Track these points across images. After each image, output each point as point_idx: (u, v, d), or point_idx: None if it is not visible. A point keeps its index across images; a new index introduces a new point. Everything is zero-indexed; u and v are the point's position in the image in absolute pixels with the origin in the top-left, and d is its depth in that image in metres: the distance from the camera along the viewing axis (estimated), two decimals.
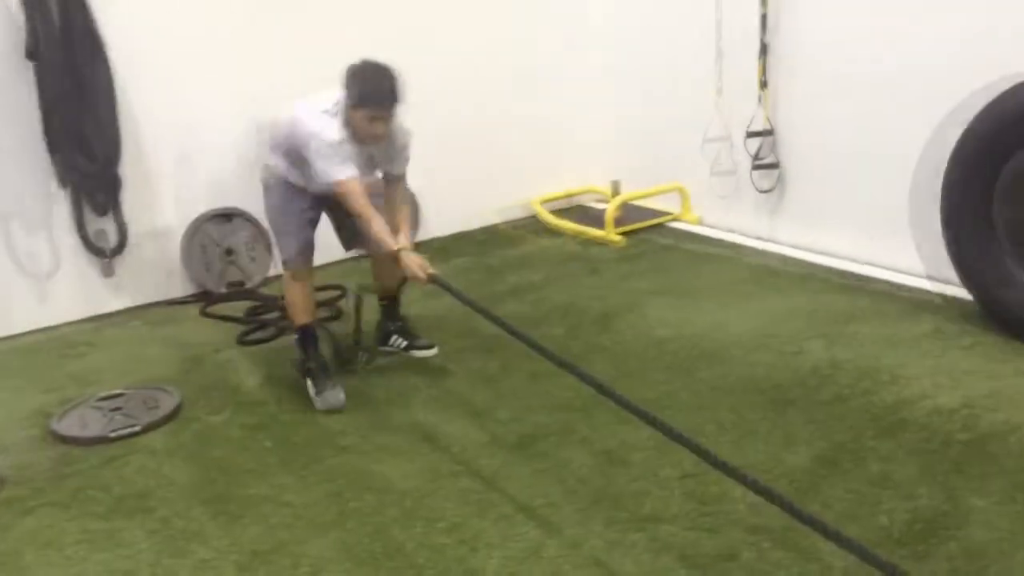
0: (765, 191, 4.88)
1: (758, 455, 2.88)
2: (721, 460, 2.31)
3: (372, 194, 3.31)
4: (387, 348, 3.80)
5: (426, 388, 3.52)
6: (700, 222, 5.39)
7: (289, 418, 3.35)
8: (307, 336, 3.51)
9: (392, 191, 3.48)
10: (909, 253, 4.26)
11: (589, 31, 5.67)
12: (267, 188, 3.52)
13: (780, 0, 4.59)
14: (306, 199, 3.44)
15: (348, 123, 3.21)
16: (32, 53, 4.06)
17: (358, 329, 3.73)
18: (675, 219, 5.48)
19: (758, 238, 5.02)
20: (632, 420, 3.08)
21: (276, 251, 3.85)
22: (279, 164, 3.42)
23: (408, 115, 4.88)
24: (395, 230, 3.31)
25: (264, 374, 3.73)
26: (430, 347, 3.73)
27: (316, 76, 4.62)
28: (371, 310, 3.78)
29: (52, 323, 4.41)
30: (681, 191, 5.43)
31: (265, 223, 3.96)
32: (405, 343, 3.76)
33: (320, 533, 2.61)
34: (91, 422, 3.37)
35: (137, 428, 3.29)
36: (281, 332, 4.07)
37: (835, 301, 4.10)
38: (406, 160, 3.44)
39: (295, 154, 3.31)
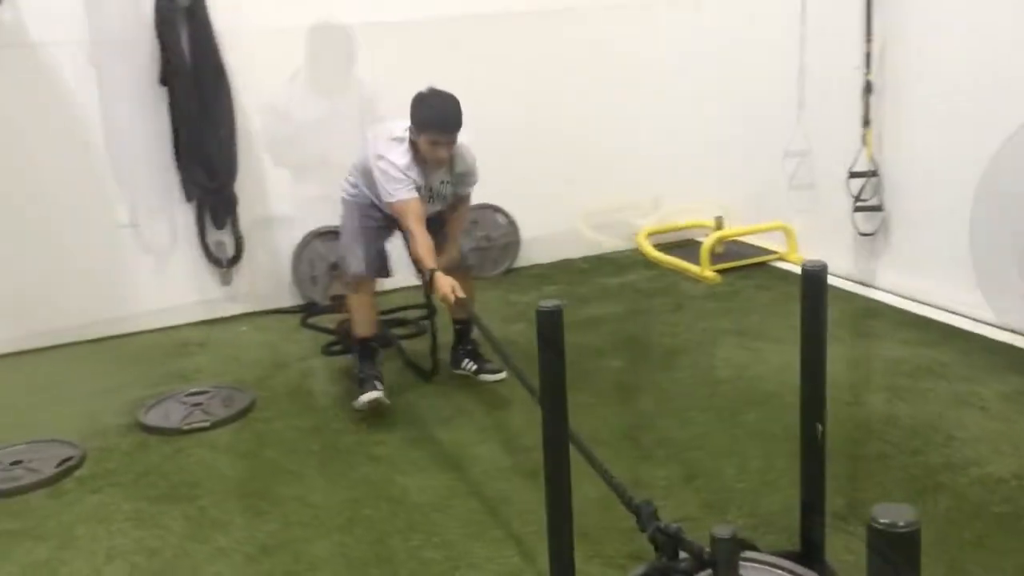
0: (867, 234, 4.69)
1: (770, 504, 2.81)
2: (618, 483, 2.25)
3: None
4: (459, 371, 3.95)
5: (474, 409, 3.65)
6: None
7: (341, 425, 3.57)
8: (364, 349, 3.70)
9: (457, 210, 3.69)
10: (1017, 307, 3.98)
11: (700, 69, 5.65)
12: (344, 204, 3.79)
13: (885, 37, 4.42)
14: (378, 216, 3.68)
15: (414, 148, 3.42)
16: (164, 80, 4.55)
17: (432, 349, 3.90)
18: (779, 258, 5.34)
19: (859, 282, 4.82)
20: (653, 457, 3.15)
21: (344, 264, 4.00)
22: (357, 182, 3.69)
23: (518, 145, 5.15)
24: (450, 243, 3.55)
25: (334, 383, 3.98)
26: (498, 371, 3.85)
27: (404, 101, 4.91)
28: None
29: (173, 323, 4.88)
30: (786, 230, 5.29)
31: None
32: (475, 367, 3.91)
33: (326, 535, 2.80)
34: (173, 414, 3.73)
35: (207, 424, 3.61)
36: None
37: (920, 352, 3.90)
38: (473, 182, 3.64)
39: (368, 174, 3.55)
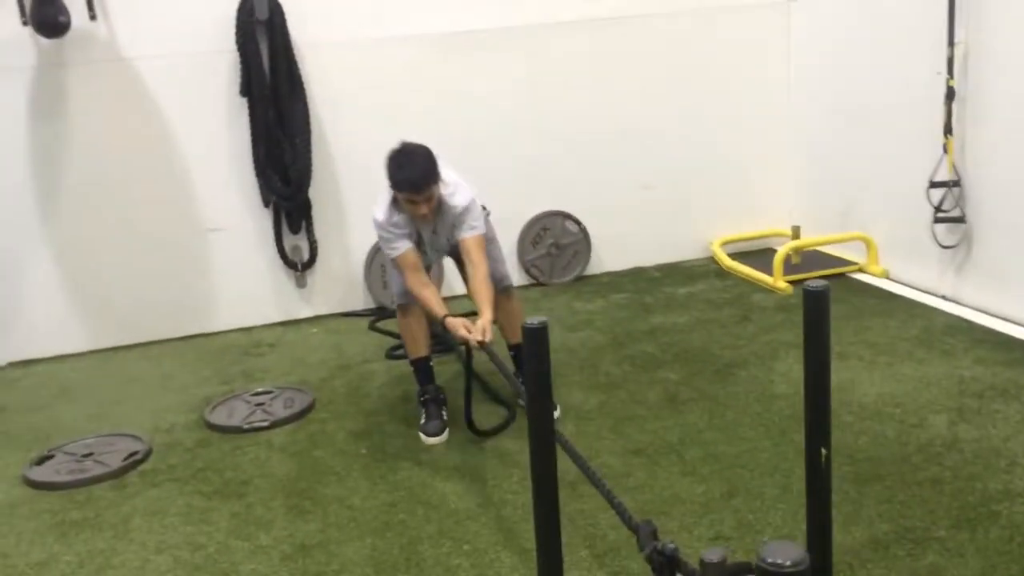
0: (949, 247, 4.48)
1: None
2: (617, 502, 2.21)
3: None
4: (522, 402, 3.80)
5: (524, 417, 3.65)
6: (886, 275, 5.03)
7: (391, 429, 3.64)
8: (419, 369, 3.67)
9: (465, 255, 3.45)
10: None
11: (780, 74, 5.52)
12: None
13: (968, 42, 4.21)
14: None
15: (398, 202, 3.37)
16: (244, 91, 4.74)
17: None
18: (859, 270, 5.15)
19: (941, 297, 4.61)
20: (693, 473, 3.10)
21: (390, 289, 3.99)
22: None
23: (591, 151, 5.12)
24: (474, 268, 3.38)
25: (392, 387, 4.06)
26: (551, 410, 3.64)
27: (491, 116, 4.98)
28: None
29: (250, 324, 5.08)
30: (866, 241, 5.09)
31: None
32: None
33: (360, 537, 2.86)
34: (236, 413, 3.88)
35: (265, 423, 3.74)
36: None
37: (995, 372, 3.70)
38: (471, 227, 3.41)
39: None
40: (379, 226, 3.41)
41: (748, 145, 5.57)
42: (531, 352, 1.93)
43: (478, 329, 3.24)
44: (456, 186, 3.42)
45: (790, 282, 4.99)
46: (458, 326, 3.25)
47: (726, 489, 2.97)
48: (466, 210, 3.40)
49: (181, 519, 3.07)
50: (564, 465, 3.12)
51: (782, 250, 5.09)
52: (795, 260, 5.23)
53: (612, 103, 5.32)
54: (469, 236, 3.41)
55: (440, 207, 3.39)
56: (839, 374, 3.77)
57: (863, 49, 4.94)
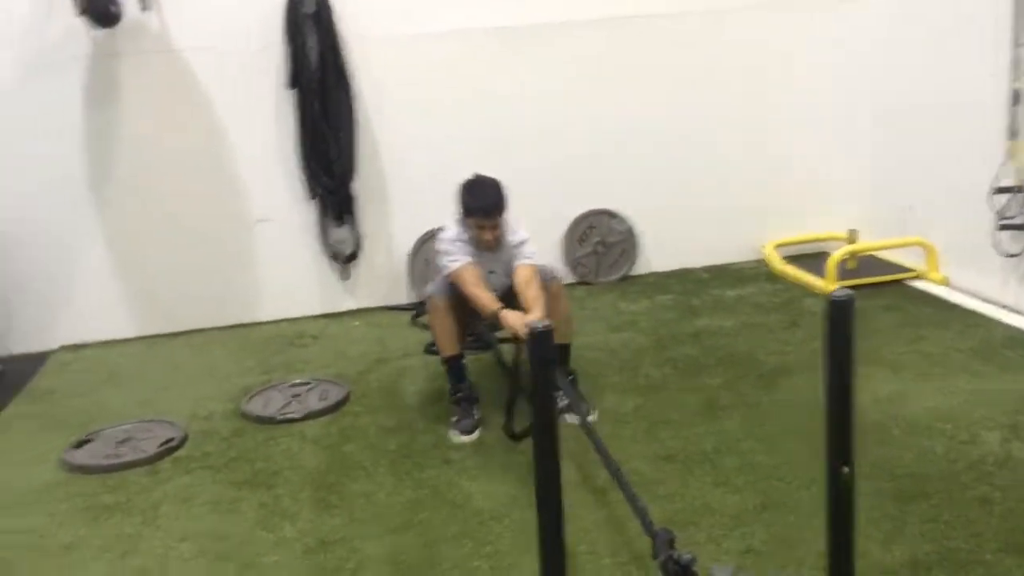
0: (1013, 255, 4.27)
1: None
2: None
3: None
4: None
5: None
6: (946, 283, 4.83)
7: (422, 425, 3.60)
8: (452, 367, 3.62)
9: (519, 276, 3.51)
10: None
11: (838, 73, 5.34)
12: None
13: None
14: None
15: (466, 229, 3.53)
16: (292, 83, 4.75)
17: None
18: (918, 277, 4.96)
19: (1004, 307, 4.40)
20: (727, 483, 3.01)
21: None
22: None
23: (640, 150, 5.04)
24: (529, 295, 3.41)
25: (429, 383, 4.03)
26: (582, 415, 3.38)
27: (538, 113, 4.88)
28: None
29: (294, 315, 5.10)
30: (925, 247, 4.90)
31: None
32: (566, 401, 3.54)
33: (382, 534, 2.82)
34: (272, 404, 3.89)
35: (299, 416, 3.73)
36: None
37: None
38: (527, 256, 3.51)
39: None
40: (446, 241, 3.52)
41: (804, 146, 5.41)
42: (535, 353, 1.89)
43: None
44: (516, 223, 3.58)
45: (843, 287, 4.80)
46: (515, 321, 3.28)
47: (760, 501, 2.87)
48: (523, 243, 3.55)
49: (209, 508, 3.08)
50: (593, 471, 3.07)
51: (836, 254, 4.93)
52: (851, 265, 5.06)
53: (662, 101, 5.22)
54: (525, 263, 3.50)
55: (500, 242, 3.53)
56: (889, 385, 3.64)
57: (923, 49, 4.77)
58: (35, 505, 3.19)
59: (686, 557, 1.84)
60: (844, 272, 4.96)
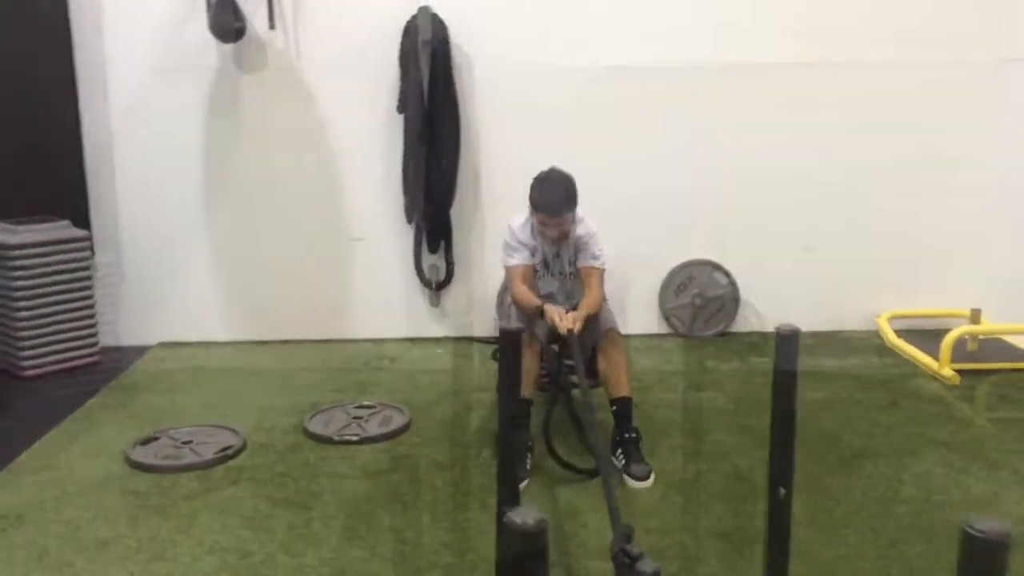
0: None
1: None
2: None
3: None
4: (614, 459, 3.49)
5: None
6: None
7: (473, 465, 3.51)
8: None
9: (585, 279, 3.64)
10: None
11: (978, 139, 4.95)
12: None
13: None
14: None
15: (534, 223, 3.59)
16: (401, 108, 4.80)
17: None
18: None
19: None
20: None
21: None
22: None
23: (751, 203, 4.93)
24: (588, 292, 3.56)
25: (493, 421, 3.91)
26: (642, 478, 3.36)
27: (645, 154, 4.77)
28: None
29: (381, 336, 5.12)
30: None
31: None
32: (624, 462, 3.46)
33: (401, 574, 2.74)
34: (332, 424, 3.89)
35: (355, 439, 3.72)
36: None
37: None
38: (594, 257, 3.61)
39: None
40: (510, 232, 3.62)
41: (930, 214, 5.03)
42: (504, 353, 2.07)
43: (568, 318, 3.36)
44: (585, 216, 3.61)
45: (959, 371, 4.42)
46: (555, 313, 3.36)
47: None
48: (590, 236, 3.60)
49: (242, 522, 3.09)
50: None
51: (953, 333, 4.53)
52: (971, 347, 4.66)
53: (779, 153, 4.97)
54: (592, 264, 3.60)
55: (567, 237, 3.59)
56: (984, 485, 3.31)
57: None
58: (89, 496, 3.29)
59: (635, 552, 2.04)
60: (963, 354, 4.57)
